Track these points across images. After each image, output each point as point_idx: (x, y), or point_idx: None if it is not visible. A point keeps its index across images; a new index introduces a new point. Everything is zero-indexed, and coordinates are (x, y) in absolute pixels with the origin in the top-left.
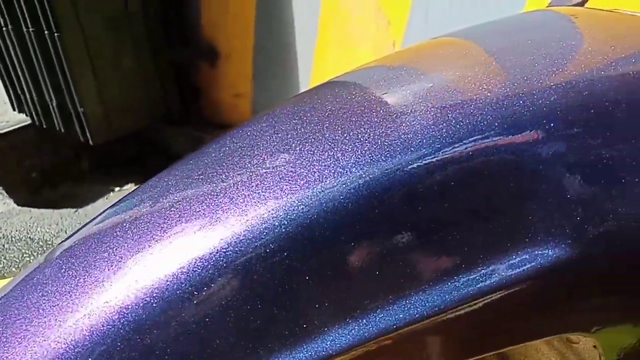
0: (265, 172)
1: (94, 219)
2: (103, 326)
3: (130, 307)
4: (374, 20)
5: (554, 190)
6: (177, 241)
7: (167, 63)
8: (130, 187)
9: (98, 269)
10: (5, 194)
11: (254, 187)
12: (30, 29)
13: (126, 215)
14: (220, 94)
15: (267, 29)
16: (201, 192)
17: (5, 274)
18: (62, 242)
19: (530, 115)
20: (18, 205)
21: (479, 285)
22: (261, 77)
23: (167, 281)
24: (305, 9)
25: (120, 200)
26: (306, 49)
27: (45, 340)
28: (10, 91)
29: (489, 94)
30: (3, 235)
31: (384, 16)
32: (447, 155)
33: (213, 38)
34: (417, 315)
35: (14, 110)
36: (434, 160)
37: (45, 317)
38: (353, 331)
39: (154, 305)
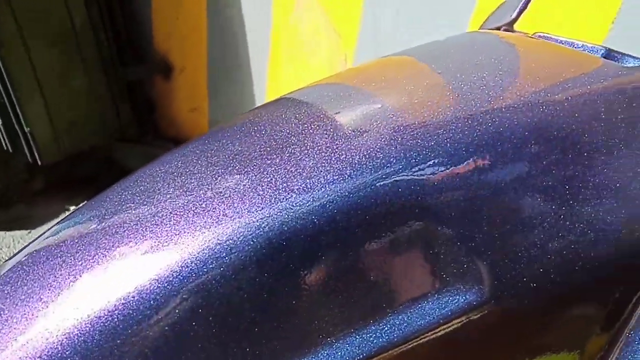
0: (213, 194)
1: (40, 236)
2: (41, 353)
3: (69, 334)
4: (324, 34)
5: (463, 236)
6: (120, 265)
7: (120, 80)
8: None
9: (41, 292)
10: None
11: (201, 210)
12: None
13: (72, 234)
14: (176, 109)
15: (220, 43)
16: (147, 213)
17: None
18: (7, 260)
19: (442, 156)
20: None
21: (397, 333)
22: (216, 91)
23: (108, 308)
24: (256, 23)
25: (67, 217)
26: (260, 63)
27: None
28: None
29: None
30: None
31: (334, 30)
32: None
33: (166, 52)
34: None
35: None
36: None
37: None
38: None
39: (94, 333)
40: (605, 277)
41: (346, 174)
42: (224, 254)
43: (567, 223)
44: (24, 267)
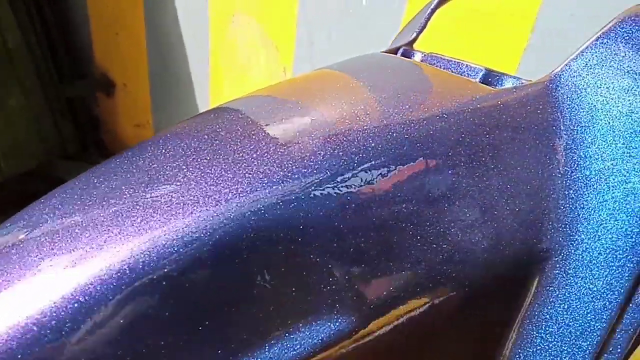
0: (145, 202)
1: None
2: None
3: None
4: (263, 49)
5: (335, 265)
6: (49, 273)
7: (61, 97)
8: None
9: None
10: None
11: (133, 218)
12: None
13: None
14: (121, 125)
15: (160, 59)
16: (78, 221)
17: None
18: None
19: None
20: None
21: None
22: (160, 106)
23: (36, 316)
24: (195, 39)
25: None
26: (201, 78)
27: None
28: None
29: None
30: None
31: (272, 43)
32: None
33: (107, 69)
34: None
35: None
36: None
37: None
38: None
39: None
40: (478, 294)
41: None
42: (144, 262)
43: (434, 246)
44: None
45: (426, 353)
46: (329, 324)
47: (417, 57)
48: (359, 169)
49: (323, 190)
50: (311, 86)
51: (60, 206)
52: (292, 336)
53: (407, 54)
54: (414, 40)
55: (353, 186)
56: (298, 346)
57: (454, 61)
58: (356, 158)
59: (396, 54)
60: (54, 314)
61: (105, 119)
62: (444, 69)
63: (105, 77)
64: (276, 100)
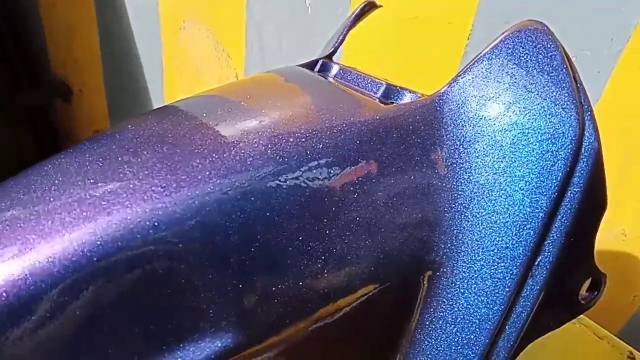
0: (85, 197)
1: None
2: None
3: None
4: (214, 54)
5: (215, 282)
6: None
7: (17, 107)
8: None
9: None
10: None
11: (73, 212)
12: None
13: None
14: (79, 131)
15: (115, 64)
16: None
17: None
18: None
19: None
20: None
21: None
22: (118, 111)
23: None
24: (148, 46)
25: None
26: (156, 83)
27: None
28: None
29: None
30: None
31: (223, 49)
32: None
33: (63, 75)
34: None
35: None
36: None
37: None
38: None
39: None
40: (369, 305)
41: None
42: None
43: (319, 260)
44: None
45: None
46: (215, 340)
47: (334, 70)
48: (236, 188)
49: (200, 207)
50: (218, 100)
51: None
52: (183, 352)
53: (325, 67)
54: (332, 54)
55: (232, 204)
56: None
57: (362, 76)
58: (234, 177)
59: (315, 66)
60: None
61: (64, 126)
62: (352, 82)
63: (62, 83)
64: (185, 114)
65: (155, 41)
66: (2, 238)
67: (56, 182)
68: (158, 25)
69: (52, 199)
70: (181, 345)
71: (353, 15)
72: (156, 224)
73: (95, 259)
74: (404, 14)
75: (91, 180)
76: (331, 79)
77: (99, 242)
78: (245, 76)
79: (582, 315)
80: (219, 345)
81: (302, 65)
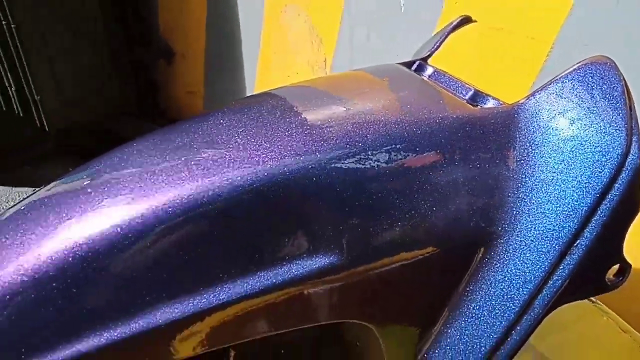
0: (189, 161)
1: (38, 190)
2: (33, 273)
3: (55, 259)
4: (308, 38)
5: (333, 217)
6: (102, 211)
7: (126, 60)
8: None
9: (36, 229)
10: None
11: (184, 170)
12: None
13: (68, 186)
14: (175, 91)
15: (217, 36)
16: (138, 172)
17: None
18: (8, 209)
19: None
20: None
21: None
22: (212, 77)
23: (89, 241)
24: (250, 23)
25: (65, 175)
26: (251, 57)
27: None
28: None
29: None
30: None
31: (317, 35)
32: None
33: (169, 39)
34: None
35: None
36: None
37: None
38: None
39: (75, 259)
40: (433, 258)
41: (242, 166)
42: (192, 205)
43: (407, 215)
44: (22, 213)
45: (383, 301)
46: (323, 258)
47: (428, 71)
48: (355, 155)
49: (334, 163)
50: (332, 87)
51: (125, 159)
52: (297, 261)
53: (421, 67)
54: (429, 56)
55: (357, 163)
56: (300, 269)
57: (453, 79)
58: (354, 147)
59: (412, 66)
60: (103, 241)
61: (163, 84)
62: (444, 84)
63: (167, 47)
64: (301, 95)
65: (257, 20)
66: (135, 189)
67: (174, 145)
68: (262, 5)
69: (172, 159)
70: (288, 260)
71: (450, 27)
72: (292, 176)
73: (212, 201)
74: (490, 24)
75: (208, 145)
76: (426, 79)
77: (216, 189)
78: (332, 62)
79: (609, 310)
80: (316, 265)
81: (400, 64)
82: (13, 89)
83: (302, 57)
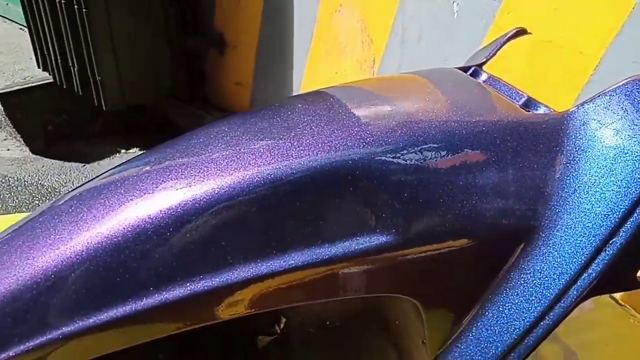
0: (252, 149)
1: (97, 176)
2: (89, 248)
3: (117, 235)
4: (359, 38)
5: (388, 192)
6: (160, 193)
7: (181, 49)
8: (134, 151)
9: (96, 209)
10: (23, 142)
11: (240, 159)
12: (62, 1)
13: (128, 172)
14: (224, 81)
15: (270, 31)
16: (197, 160)
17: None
18: (68, 192)
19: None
20: (33, 153)
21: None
22: (261, 70)
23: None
24: (304, 20)
25: (124, 162)
26: (302, 53)
27: (44, 257)
28: (38, 51)
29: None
30: (17, 178)
31: (368, 35)
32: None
33: (223, 30)
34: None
35: (39, 67)
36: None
37: (48, 241)
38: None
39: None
40: (480, 246)
41: (326, 150)
42: (255, 186)
43: (459, 204)
44: (83, 196)
45: (431, 281)
46: (377, 235)
47: (483, 77)
48: (417, 147)
49: (398, 154)
50: (394, 86)
51: (191, 146)
52: (354, 237)
53: (476, 73)
54: (483, 64)
55: (419, 155)
56: (359, 244)
57: (507, 85)
58: (417, 140)
59: (467, 71)
60: (163, 218)
61: (212, 74)
62: (498, 90)
63: (220, 38)
64: (367, 92)
65: (311, 17)
66: (230, 164)
67: (236, 134)
68: (317, 4)
69: (231, 146)
70: (341, 237)
71: (506, 37)
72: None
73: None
74: (541, 36)
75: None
76: (482, 84)
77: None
78: (381, 63)
79: (636, 313)
80: (372, 243)
81: (458, 69)
82: (76, 68)
83: (352, 55)
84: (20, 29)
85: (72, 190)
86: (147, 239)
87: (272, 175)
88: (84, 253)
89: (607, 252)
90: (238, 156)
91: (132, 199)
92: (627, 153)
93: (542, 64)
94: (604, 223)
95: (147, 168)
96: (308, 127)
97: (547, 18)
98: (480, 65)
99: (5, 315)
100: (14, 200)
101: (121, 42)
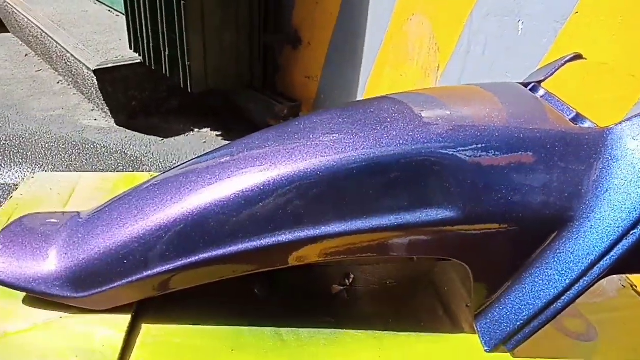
0: (316, 143)
1: (180, 165)
2: (193, 207)
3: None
4: (426, 46)
5: (456, 179)
6: (251, 175)
7: (259, 43)
8: (206, 130)
9: (207, 177)
10: (109, 113)
11: (312, 150)
12: None
13: (209, 162)
14: (296, 74)
15: (344, 29)
16: (268, 152)
17: None
18: (180, 164)
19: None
20: (117, 125)
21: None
22: (331, 66)
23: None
24: (376, 25)
25: (206, 153)
26: (370, 55)
27: (141, 222)
28: (132, 34)
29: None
30: (104, 146)
31: (435, 43)
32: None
33: (299, 27)
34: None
35: (130, 48)
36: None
37: (164, 200)
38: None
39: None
40: (522, 229)
41: (410, 141)
42: (334, 168)
43: (512, 192)
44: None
45: (480, 253)
46: (442, 210)
47: (541, 92)
48: (481, 145)
49: (467, 149)
50: (465, 94)
51: (262, 143)
52: (427, 209)
53: (535, 89)
54: (542, 81)
55: (483, 151)
56: (429, 215)
57: (561, 102)
58: (482, 139)
59: (527, 86)
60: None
61: (285, 67)
62: (553, 104)
63: (296, 34)
64: (442, 97)
65: (384, 23)
66: (336, 147)
67: (318, 126)
68: (391, 11)
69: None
70: (417, 209)
71: (564, 60)
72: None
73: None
74: (596, 58)
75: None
76: (539, 98)
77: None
78: (445, 70)
79: None
80: (439, 216)
81: (520, 84)
82: (166, 52)
83: (418, 61)
84: (109, 10)
85: (184, 163)
86: (254, 200)
87: (367, 157)
88: (188, 210)
89: (627, 240)
90: (341, 140)
91: (242, 170)
92: None
93: (596, 84)
94: (627, 217)
95: (259, 150)
96: (395, 122)
97: (605, 42)
98: (539, 82)
99: (134, 251)
100: (102, 164)
101: (210, 34)
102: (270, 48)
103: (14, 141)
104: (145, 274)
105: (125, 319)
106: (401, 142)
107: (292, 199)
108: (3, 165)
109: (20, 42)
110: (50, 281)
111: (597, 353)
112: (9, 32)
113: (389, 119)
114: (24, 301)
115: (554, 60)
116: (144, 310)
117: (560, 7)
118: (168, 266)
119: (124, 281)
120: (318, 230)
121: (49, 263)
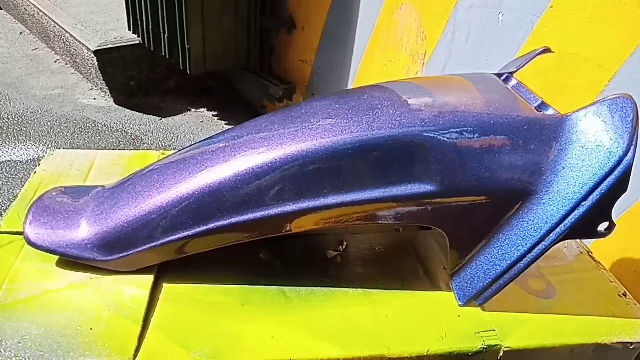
0: (317, 126)
1: (194, 144)
2: (205, 182)
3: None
4: (415, 32)
5: (437, 158)
6: (247, 158)
7: (256, 28)
8: (203, 111)
9: (218, 156)
10: (109, 93)
11: (313, 133)
12: None
13: (221, 142)
14: (290, 57)
15: (337, 15)
16: (274, 134)
17: None
18: (192, 145)
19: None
20: (116, 104)
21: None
22: (324, 51)
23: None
24: (368, 12)
25: (209, 137)
26: (362, 40)
27: (162, 194)
28: (131, 15)
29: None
30: (105, 124)
31: (423, 32)
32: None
33: (294, 12)
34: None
35: (129, 30)
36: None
37: (150, 190)
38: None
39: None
40: (491, 201)
41: (398, 126)
42: (334, 148)
43: (482, 169)
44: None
45: (455, 220)
46: (425, 184)
47: (512, 83)
48: (458, 129)
49: (445, 131)
50: (447, 84)
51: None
52: (411, 184)
53: (508, 79)
54: (515, 72)
55: (458, 135)
56: (413, 189)
57: (529, 92)
58: (458, 124)
59: (501, 77)
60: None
61: (281, 50)
62: (521, 93)
63: (291, 19)
64: (426, 86)
65: (375, 11)
66: (339, 127)
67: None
68: (382, 1)
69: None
70: (403, 183)
71: (535, 53)
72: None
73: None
74: (569, 49)
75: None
76: (510, 88)
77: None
78: (431, 56)
79: (606, 267)
80: (421, 190)
81: (494, 74)
82: (166, 35)
83: (406, 48)
84: None
85: (198, 142)
86: (261, 175)
87: (360, 139)
88: (204, 184)
89: (579, 210)
90: (338, 124)
91: (252, 149)
92: (601, 145)
93: (570, 72)
94: (580, 191)
95: (266, 132)
96: (385, 109)
97: (576, 34)
98: (512, 73)
99: (156, 220)
100: (104, 142)
101: (210, 18)
102: (267, 32)
103: (16, 119)
104: (166, 239)
105: (148, 279)
106: (390, 126)
107: (296, 175)
108: (8, 142)
109: (14, 20)
110: (82, 246)
111: (554, 307)
112: (1, 9)
113: (379, 106)
114: (57, 264)
115: (526, 53)
116: (164, 272)
117: (536, 2)
118: (186, 232)
119: (147, 246)
120: (317, 202)
121: (81, 230)
